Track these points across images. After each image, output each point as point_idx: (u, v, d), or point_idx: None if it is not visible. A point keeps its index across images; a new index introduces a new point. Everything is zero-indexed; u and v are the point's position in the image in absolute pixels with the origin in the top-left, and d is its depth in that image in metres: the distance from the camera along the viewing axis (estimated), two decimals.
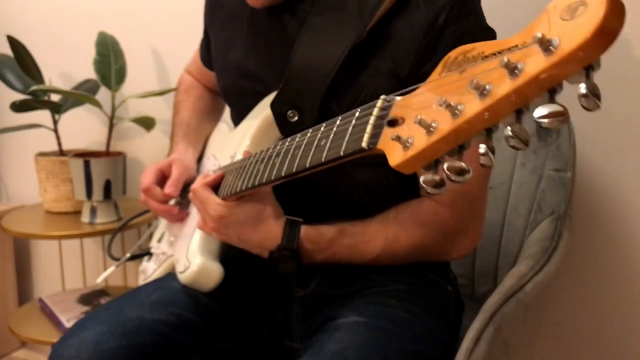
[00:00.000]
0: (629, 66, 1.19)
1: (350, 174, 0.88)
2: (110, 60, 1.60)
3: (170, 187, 1.03)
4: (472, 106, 0.45)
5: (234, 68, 0.99)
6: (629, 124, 1.21)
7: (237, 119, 1.03)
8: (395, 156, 0.52)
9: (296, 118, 0.86)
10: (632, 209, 1.24)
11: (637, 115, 1.20)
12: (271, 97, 0.90)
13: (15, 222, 1.67)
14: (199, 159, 1.15)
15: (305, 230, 0.86)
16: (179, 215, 1.04)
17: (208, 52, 1.11)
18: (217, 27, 1.04)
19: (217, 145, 1.11)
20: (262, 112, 0.92)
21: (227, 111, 1.18)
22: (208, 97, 1.21)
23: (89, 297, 1.75)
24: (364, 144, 0.57)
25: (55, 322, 1.64)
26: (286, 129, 0.88)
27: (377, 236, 0.87)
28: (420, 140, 0.49)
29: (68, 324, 1.59)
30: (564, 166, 1.11)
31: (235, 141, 0.97)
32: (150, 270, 1.11)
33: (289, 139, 0.75)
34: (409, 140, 0.50)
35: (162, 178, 1.05)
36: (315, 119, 0.85)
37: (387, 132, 0.55)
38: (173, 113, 1.20)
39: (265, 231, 0.86)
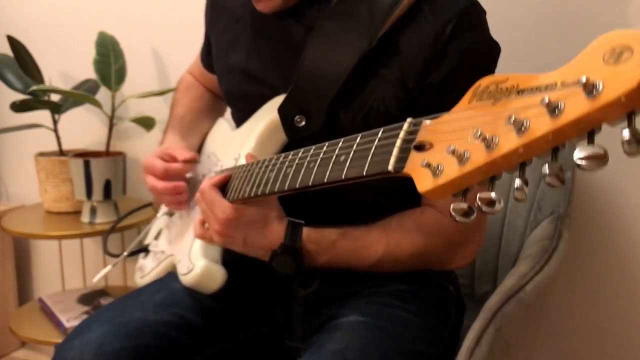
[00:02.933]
0: None
1: None
2: (110, 60, 1.60)
3: (185, 156, 1.01)
4: (508, 141, 0.45)
5: (236, 70, 0.98)
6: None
7: (239, 120, 1.02)
8: (425, 183, 0.51)
9: (303, 123, 0.87)
10: (632, 208, 1.25)
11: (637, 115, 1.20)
12: (277, 100, 0.91)
13: (15, 222, 1.67)
14: None
15: (307, 232, 0.86)
16: (186, 198, 1.03)
17: (208, 55, 1.11)
18: (219, 29, 1.03)
19: (217, 143, 1.10)
20: (267, 114, 0.92)
21: (227, 110, 1.18)
22: (207, 98, 1.21)
23: (89, 297, 1.75)
24: (390, 167, 0.56)
25: (55, 322, 1.64)
26: (293, 133, 0.88)
27: (379, 241, 0.87)
28: (451, 169, 0.48)
29: (68, 324, 1.59)
30: (564, 166, 1.11)
31: (239, 142, 0.96)
32: (147, 267, 1.10)
33: (301, 151, 0.73)
34: (439, 168, 0.49)
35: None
36: (322, 124, 0.85)
37: (415, 157, 0.53)
38: (170, 110, 1.20)
39: (270, 233, 0.86)
